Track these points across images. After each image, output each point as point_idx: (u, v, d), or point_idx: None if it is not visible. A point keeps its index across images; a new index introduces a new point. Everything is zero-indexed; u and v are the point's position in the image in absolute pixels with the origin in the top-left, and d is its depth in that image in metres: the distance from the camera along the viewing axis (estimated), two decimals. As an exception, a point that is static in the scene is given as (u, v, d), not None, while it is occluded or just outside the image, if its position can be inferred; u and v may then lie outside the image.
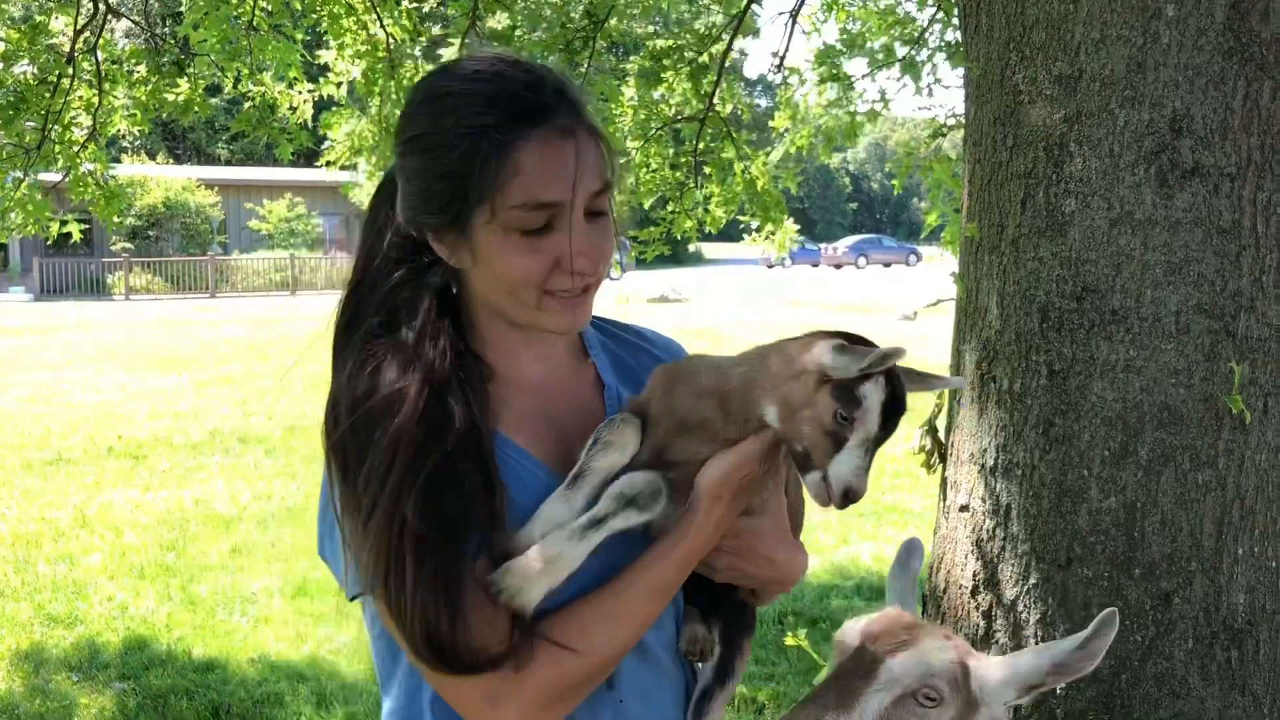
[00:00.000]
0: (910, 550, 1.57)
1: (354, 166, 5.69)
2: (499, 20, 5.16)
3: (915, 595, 1.55)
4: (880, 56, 5.36)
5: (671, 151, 5.69)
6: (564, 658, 1.37)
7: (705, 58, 5.30)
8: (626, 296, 24.42)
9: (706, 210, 6.03)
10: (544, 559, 1.33)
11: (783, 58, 5.79)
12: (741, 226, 6.57)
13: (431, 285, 1.47)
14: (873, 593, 6.34)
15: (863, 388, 1.31)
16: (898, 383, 1.33)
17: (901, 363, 1.33)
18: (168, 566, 6.89)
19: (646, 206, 5.67)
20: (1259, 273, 2.64)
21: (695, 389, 1.45)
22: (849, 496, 1.32)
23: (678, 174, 5.57)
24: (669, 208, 5.68)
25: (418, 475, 1.33)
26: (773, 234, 6.26)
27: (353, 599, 1.43)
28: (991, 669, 1.43)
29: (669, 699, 1.59)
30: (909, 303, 25.73)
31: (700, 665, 1.62)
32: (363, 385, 1.38)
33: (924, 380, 1.40)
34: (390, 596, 1.32)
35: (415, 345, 1.42)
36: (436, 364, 1.41)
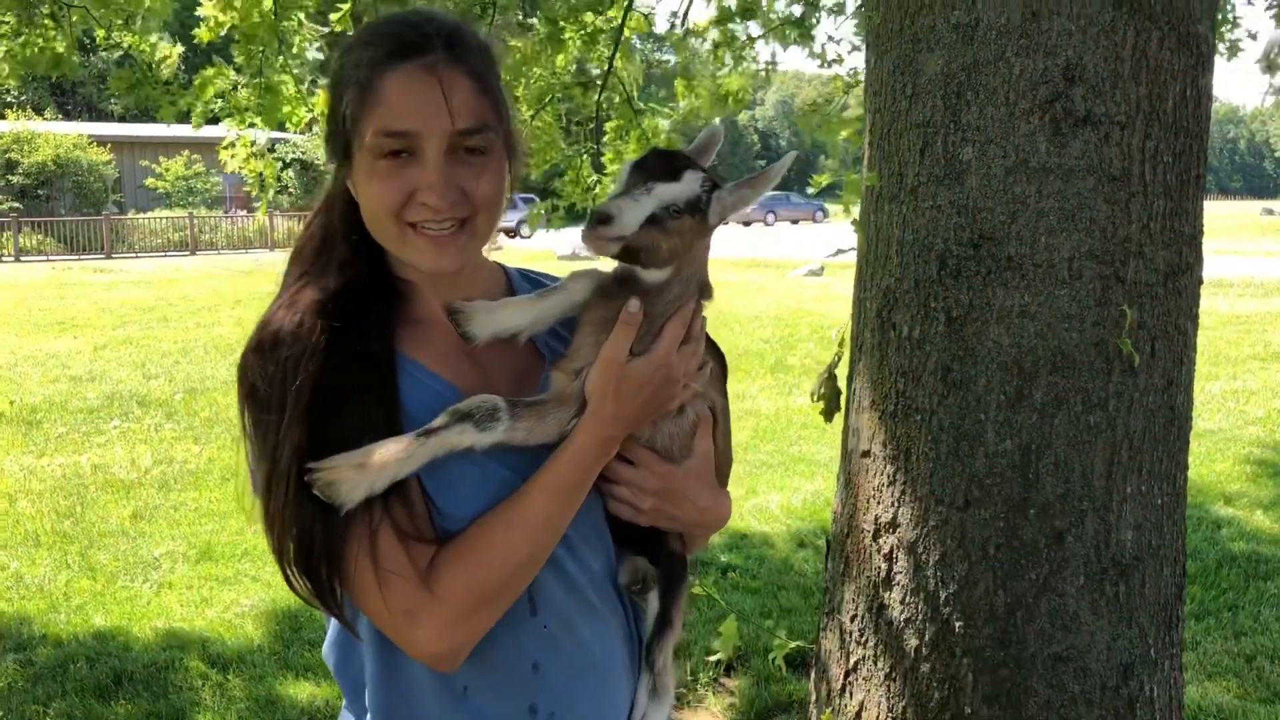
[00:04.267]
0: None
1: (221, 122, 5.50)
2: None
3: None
4: (773, 15, 5.35)
5: (564, 115, 5.61)
6: (472, 567, 1.40)
7: (602, 21, 5.21)
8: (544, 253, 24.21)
9: (600, 180, 5.93)
10: (366, 457, 1.36)
11: (684, 16, 5.75)
12: None
13: (357, 225, 1.52)
14: (782, 542, 6.44)
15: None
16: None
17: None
18: (65, 534, 6.69)
19: (537, 178, 5.61)
20: (1147, 219, 2.71)
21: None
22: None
23: (572, 144, 5.51)
24: (565, 178, 5.62)
25: (312, 398, 1.38)
26: None
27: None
28: None
29: (596, 634, 1.58)
30: (817, 258, 25.98)
31: (645, 602, 1.62)
32: (273, 315, 1.46)
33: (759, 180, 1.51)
34: (271, 512, 1.39)
35: (327, 280, 1.48)
36: (340, 297, 1.46)
